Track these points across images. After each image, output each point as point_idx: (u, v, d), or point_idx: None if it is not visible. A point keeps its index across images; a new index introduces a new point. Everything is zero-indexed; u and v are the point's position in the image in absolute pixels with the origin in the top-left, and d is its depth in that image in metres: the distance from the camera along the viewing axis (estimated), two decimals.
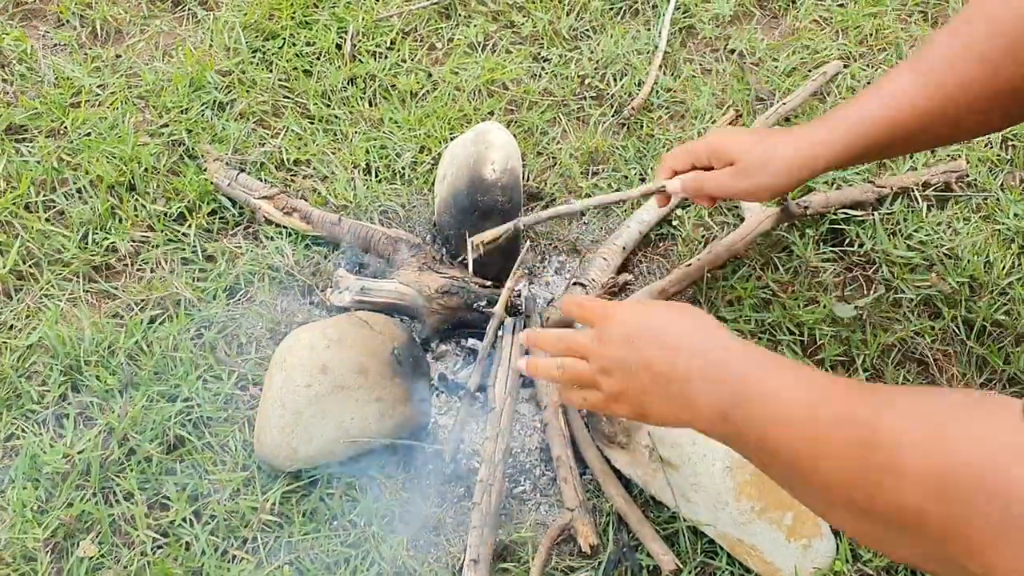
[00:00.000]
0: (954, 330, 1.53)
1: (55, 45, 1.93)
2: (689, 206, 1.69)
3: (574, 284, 1.56)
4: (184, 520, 1.32)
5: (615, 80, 1.88)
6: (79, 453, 1.36)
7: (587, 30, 1.99)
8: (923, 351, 1.52)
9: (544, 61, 1.94)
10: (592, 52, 1.94)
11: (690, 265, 1.54)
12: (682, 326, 0.94)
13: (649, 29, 1.98)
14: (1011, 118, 1.15)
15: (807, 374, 0.85)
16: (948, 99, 1.08)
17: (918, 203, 1.67)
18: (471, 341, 1.56)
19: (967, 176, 1.70)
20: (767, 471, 0.87)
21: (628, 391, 0.95)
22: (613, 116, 1.82)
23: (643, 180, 1.73)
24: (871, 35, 1.95)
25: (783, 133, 1.22)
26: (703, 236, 1.66)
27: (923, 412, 0.73)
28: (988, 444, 0.65)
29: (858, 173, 1.73)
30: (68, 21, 1.95)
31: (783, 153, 1.14)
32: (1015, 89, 1.07)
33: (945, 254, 1.61)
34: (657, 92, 1.85)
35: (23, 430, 1.39)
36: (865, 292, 1.58)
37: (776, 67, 1.89)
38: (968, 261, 1.59)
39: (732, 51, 1.95)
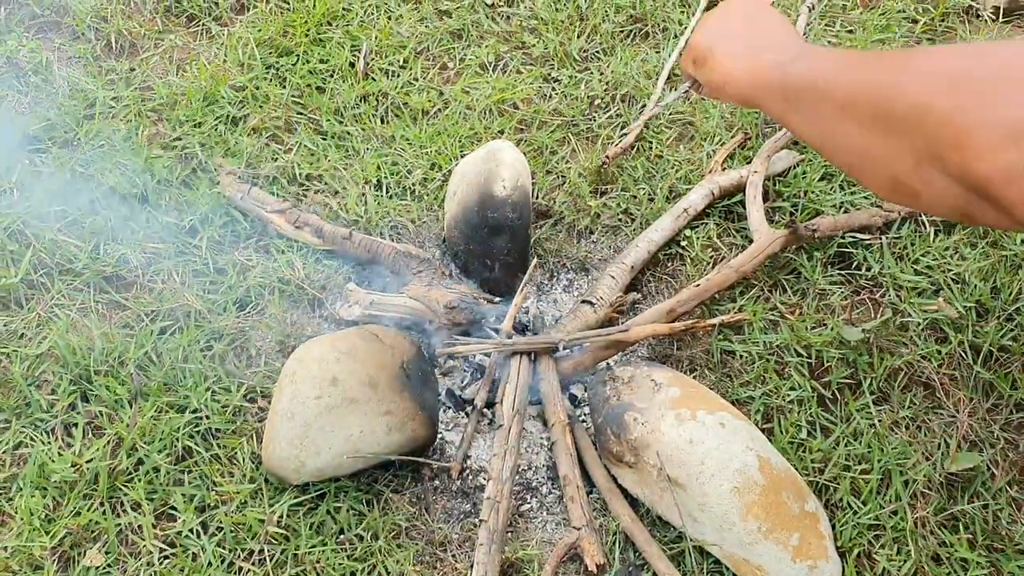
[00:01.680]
0: (961, 355, 1.53)
1: (70, 57, 1.94)
2: (697, 227, 1.70)
3: (582, 303, 1.57)
4: (191, 531, 1.32)
5: (624, 102, 1.90)
6: (87, 462, 1.36)
7: (597, 52, 2.01)
8: (930, 375, 1.52)
9: (554, 82, 1.96)
10: (602, 73, 1.96)
11: (699, 285, 1.54)
12: (773, 14, 1.07)
13: (658, 52, 2.00)
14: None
15: (850, 51, 1.01)
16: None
17: (925, 228, 1.68)
18: (479, 357, 1.56)
19: None
20: (795, 114, 0.94)
21: (699, 47, 1.10)
22: (622, 137, 1.84)
23: (651, 200, 1.74)
24: None
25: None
26: (711, 257, 1.67)
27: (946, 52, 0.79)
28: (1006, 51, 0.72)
29: (866, 197, 1.74)
30: (83, 34, 1.97)
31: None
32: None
33: (952, 279, 1.61)
34: (667, 114, 1.87)
35: (32, 438, 1.40)
36: (872, 315, 1.59)
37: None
38: (975, 286, 1.59)
39: None
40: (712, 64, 1.07)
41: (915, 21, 2.06)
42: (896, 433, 1.46)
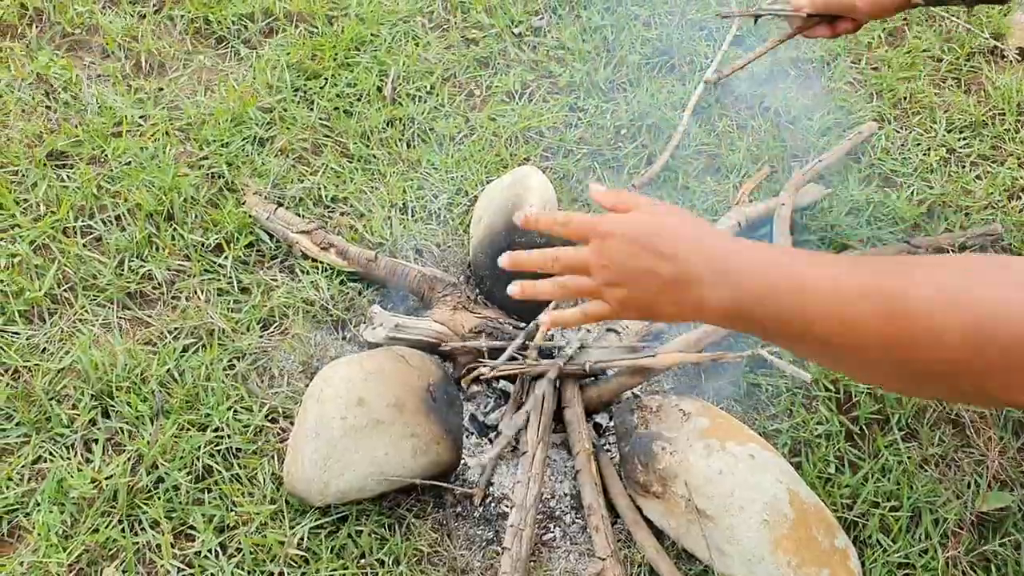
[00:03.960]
0: None
1: (99, 76, 1.95)
2: None
3: (608, 330, 1.55)
4: (210, 551, 1.30)
5: (649, 132, 1.90)
6: (107, 479, 1.34)
7: (624, 83, 2.02)
8: (959, 412, 1.50)
9: (580, 111, 1.97)
10: (628, 104, 1.96)
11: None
12: (683, 229, 0.91)
13: (684, 84, 2.00)
14: None
15: (820, 257, 0.85)
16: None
17: None
18: (503, 383, 1.55)
19: (1002, 239, 1.71)
20: (793, 348, 0.88)
21: (635, 298, 0.93)
22: (647, 167, 1.84)
23: None
24: (906, 98, 1.97)
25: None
26: None
27: (947, 276, 0.74)
28: (1015, 293, 0.69)
29: (892, 232, 1.73)
30: (113, 53, 1.98)
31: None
32: None
33: None
34: (687, 143, 1.87)
35: (51, 453, 1.38)
36: None
37: (811, 126, 1.91)
38: None
39: (767, 108, 1.97)
40: (663, 319, 0.96)
41: (939, 60, 2.07)
42: (925, 470, 1.44)
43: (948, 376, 0.73)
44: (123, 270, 1.60)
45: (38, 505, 1.32)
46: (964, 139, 1.91)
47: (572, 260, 0.98)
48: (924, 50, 2.08)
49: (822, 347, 0.82)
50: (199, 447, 1.39)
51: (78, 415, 1.42)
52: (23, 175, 1.71)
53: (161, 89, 1.93)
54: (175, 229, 1.67)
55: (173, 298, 1.59)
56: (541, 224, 1.02)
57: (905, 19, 2.19)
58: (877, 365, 0.79)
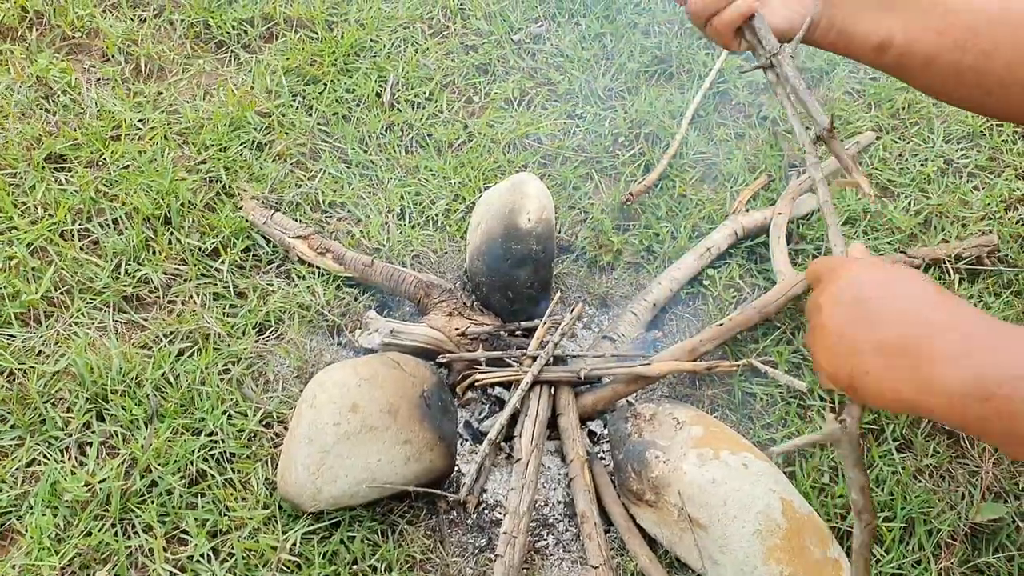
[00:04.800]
0: None
1: (99, 79, 1.96)
2: (720, 266, 1.69)
3: (603, 338, 1.56)
4: (202, 556, 1.30)
5: (648, 140, 1.91)
6: (100, 482, 1.34)
7: (622, 91, 2.02)
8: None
9: (579, 118, 1.97)
10: (626, 112, 1.96)
11: (721, 324, 1.53)
12: (923, 291, 0.78)
13: (683, 93, 2.01)
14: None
15: None
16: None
17: (950, 275, 1.67)
18: (498, 390, 1.55)
19: (998, 251, 1.71)
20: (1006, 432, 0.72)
21: (835, 360, 0.80)
22: (644, 175, 1.84)
23: (674, 238, 1.74)
24: (904, 108, 1.97)
25: None
26: (733, 297, 1.66)
27: None
28: None
29: (889, 243, 1.73)
30: (113, 56, 1.98)
31: None
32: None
33: None
34: (685, 152, 1.87)
35: (45, 456, 1.38)
36: None
37: (809, 136, 1.91)
38: None
39: (765, 117, 1.97)
40: (868, 397, 0.79)
41: None
42: (919, 481, 1.44)
43: None
44: (119, 273, 1.60)
45: (31, 508, 1.32)
46: (961, 150, 1.91)
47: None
48: None
49: None
50: (193, 451, 1.39)
51: (73, 418, 1.42)
52: (21, 177, 1.71)
53: (160, 93, 1.93)
54: (172, 233, 1.67)
55: (169, 302, 1.59)
56: None
57: None
58: None
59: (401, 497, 1.39)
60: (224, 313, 1.58)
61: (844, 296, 0.81)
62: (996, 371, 0.71)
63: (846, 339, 0.79)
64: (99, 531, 1.30)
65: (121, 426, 1.42)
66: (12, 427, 1.40)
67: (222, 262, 1.63)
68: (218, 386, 1.47)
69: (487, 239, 1.57)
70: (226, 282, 1.61)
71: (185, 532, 1.33)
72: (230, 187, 1.75)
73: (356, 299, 1.63)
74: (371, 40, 2.05)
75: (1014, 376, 0.70)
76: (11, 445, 1.39)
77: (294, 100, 1.92)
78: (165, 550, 1.30)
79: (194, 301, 1.59)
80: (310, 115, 1.90)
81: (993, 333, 0.73)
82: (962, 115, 1.96)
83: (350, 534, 1.34)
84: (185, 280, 1.61)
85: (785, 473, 1.38)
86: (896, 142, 1.91)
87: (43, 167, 1.73)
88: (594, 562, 1.30)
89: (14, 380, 1.46)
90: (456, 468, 1.45)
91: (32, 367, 1.47)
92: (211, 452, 1.40)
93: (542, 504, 1.44)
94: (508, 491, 1.40)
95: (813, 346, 0.84)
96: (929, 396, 0.74)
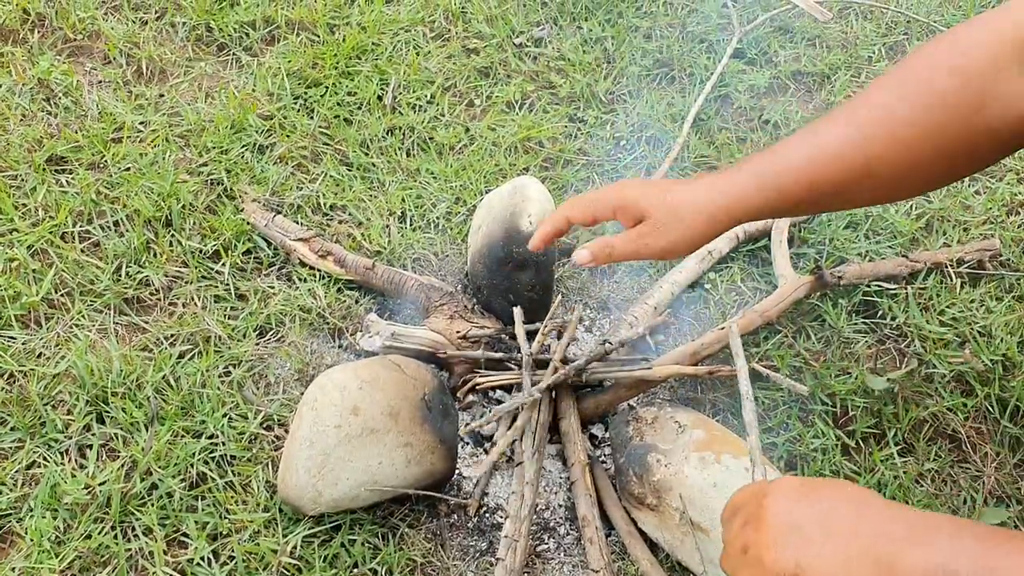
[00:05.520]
0: (987, 408, 1.52)
1: (100, 81, 1.96)
2: (722, 270, 1.69)
3: (604, 342, 1.55)
4: (202, 559, 1.29)
5: (649, 143, 1.90)
6: (100, 485, 1.34)
7: (624, 94, 2.02)
8: (955, 427, 1.50)
9: (580, 122, 1.97)
10: (628, 115, 1.97)
11: (723, 328, 1.53)
12: (867, 492, 0.81)
13: (684, 96, 2.01)
14: (976, 165, 1.02)
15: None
16: (874, 149, 0.96)
17: (951, 279, 1.67)
18: (499, 393, 1.55)
19: (1000, 255, 1.70)
20: None
21: (776, 545, 0.79)
22: (646, 178, 1.83)
23: None
24: None
25: (693, 183, 1.05)
26: (735, 300, 1.66)
27: None
28: None
29: (891, 247, 1.73)
30: (115, 59, 1.98)
31: (697, 205, 1.01)
32: (980, 133, 0.93)
33: (978, 332, 1.60)
34: (686, 155, 1.87)
35: (45, 459, 1.38)
36: (897, 365, 1.57)
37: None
38: (1001, 340, 1.58)
39: (766, 121, 1.97)
40: None
41: None
42: (921, 486, 1.44)
43: None
44: (120, 276, 1.60)
45: (31, 511, 1.32)
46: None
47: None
48: None
49: None
50: (193, 454, 1.38)
51: (73, 420, 1.42)
52: (22, 180, 1.71)
53: (162, 95, 1.93)
54: (173, 235, 1.67)
55: (170, 304, 1.59)
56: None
57: (906, 34, 2.20)
58: None
59: (402, 500, 1.39)
60: (225, 316, 1.57)
61: (791, 500, 0.81)
62: (952, 558, 0.70)
63: (796, 534, 0.78)
64: (99, 534, 1.30)
65: (121, 429, 1.41)
66: (12, 429, 1.40)
67: (223, 265, 1.63)
68: (219, 389, 1.47)
69: (488, 242, 1.57)
70: (227, 285, 1.61)
71: (185, 535, 1.32)
72: (231, 190, 1.75)
73: (357, 302, 1.63)
74: (373, 43, 2.05)
75: (980, 567, 0.69)
76: (11, 447, 1.38)
77: (295, 103, 1.92)
78: (165, 553, 1.30)
79: (195, 303, 1.58)
80: (311, 118, 1.90)
81: (950, 532, 0.73)
82: None
83: (351, 537, 1.33)
84: (186, 282, 1.61)
85: None
86: None
87: (44, 169, 1.73)
88: (595, 566, 1.30)
89: (14, 382, 1.46)
90: (457, 471, 1.45)
91: (32, 369, 1.46)
92: (212, 455, 1.40)
93: (543, 508, 1.44)
94: (509, 495, 1.40)
95: (747, 551, 0.81)
96: None
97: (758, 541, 0.80)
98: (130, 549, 1.30)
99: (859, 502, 0.78)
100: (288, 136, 1.85)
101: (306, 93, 1.94)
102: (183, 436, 1.41)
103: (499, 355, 1.51)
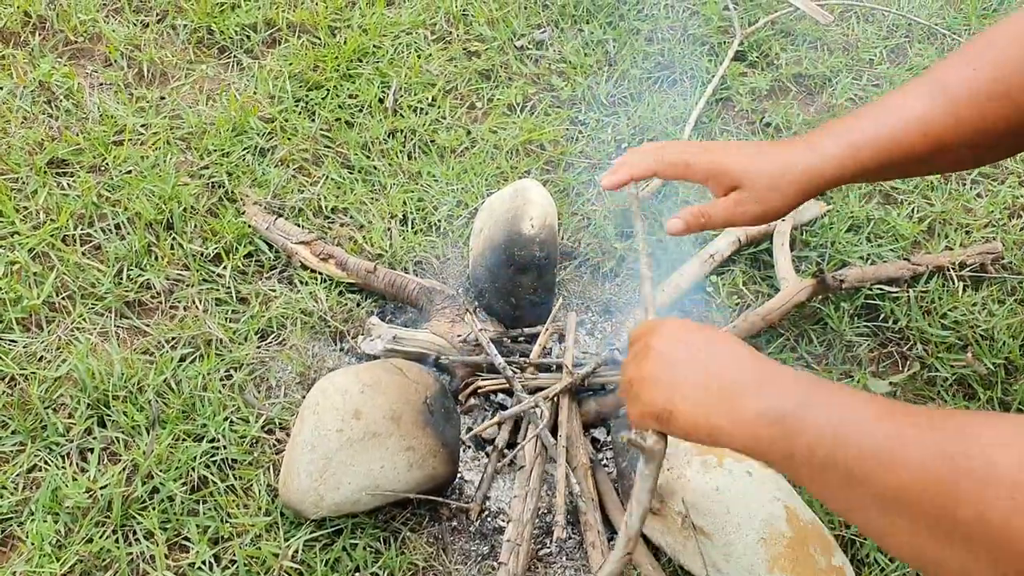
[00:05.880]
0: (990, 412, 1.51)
1: (101, 84, 1.96)
2: (723, 273, 1.69)
3: (612, 349, 1.55)
4: (204, 563, 1.29)
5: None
6: (102, 488, 1.33)
7: (625, 97, 2.02)
8: None
9: (581, 124, 1.97)
10: (629, 118, 1.96)
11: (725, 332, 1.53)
12: (735, 344, 0.89)
13: (685, 99, 2.01)
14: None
15: (873, 395, 0.79)
16: (961, 124, 1.00)
17: (953, 282, 1.66)
18: (500, 397, 1.54)
19: (1002, 258, 1.70)
20: (811, 484, 0.78)
21: (655, 386, 0.88)
22: (647, 182, 1.83)
23: (677, 245, 1.73)
24: None
25: (785, 149, 1.06)
26: (737, 304, 1.66)
27: (1014, 424, 0.67)
28: None
29: (893, 250, 1.73)
30: (116, 61, 1.98)
31: (794, 175, 1.03)
32: None
33: (981, 335, 1.59)
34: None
35: (46, 462, 1.37)
36: (900, 369, 1.57)
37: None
38: (1004, 343, 1.58)
39: (768, 124, 1.97)
40: (679, 421, 0.87)
41: None
42: None
43: (985, 542, 0.65)
44: (121, 279, 1.60)
45: (32, 514, 1.32)
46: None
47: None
48: (926, 67, 2.08)
49: (846, 478, 0.74)
50: (195, 458, 1.38)
51: (74, 424, 1.41)
52: (23, 182, 1.71)
53: (163, 98, 1.93)
54: (174, 238, 1.66)
55: (171, 307, 1.59)
56: None
57: (907, 36, 2.20)
58: (911, 505, 0.70)
59: (403, 504, 1.38)
60: (226, 319, 1.57)
61: (670, 342, 0.90)
62: (785, 401, 0.80)
63: (669, 374, 0.88)
64: (100, 538, 1.30)
65: (123, 432, 1.41)
66: (13, 433, 1.40)
67: (224, 268, 1.63)
68: (220, 392, 1.47)
69: (490, 245, 1.57)
70: (228, 288, 1.61)
71: (187, 539, 1.32)
72: (232, 192, 1.75)
73: (359, 305, 1.62)
74: (374, 46, 2.05)
75: (799, 404, 0.79)
76: (12, 451, 1.38)
77: (297, 105, 1.92)
78: (167, 557, 1.30)
79: (196, 307, 1.58)
80: (313, 120, 1.90)
81: (792, 378, 0.83)
82: None
83: (352, 541, 1.33)
84: (187, 286, 1.61)
85: (788, 481, 1.37)
86: None
87: (45, 172, 1.73)
88: (597, 570, 1.30)
89: (15, 386, 1.45)
90: (459, 475, 1.44)
91: (33, 373, 1.46)
92: (213, 458, 1.40)
93: (545, 511, 1.43)
94: (511, 498, 1.39)
95: (632, 386, 0.92)
96: (732, 423, 0.82)
97: (641, 378, 0.91)
98: (131, 553, 1.29)
99: (727, 351, 0.88)
100: (289, 139, 1.85)
101: (307, 96, 1.94)
102: (184, 440, 1.41)
103: (500, 360, 1.51)
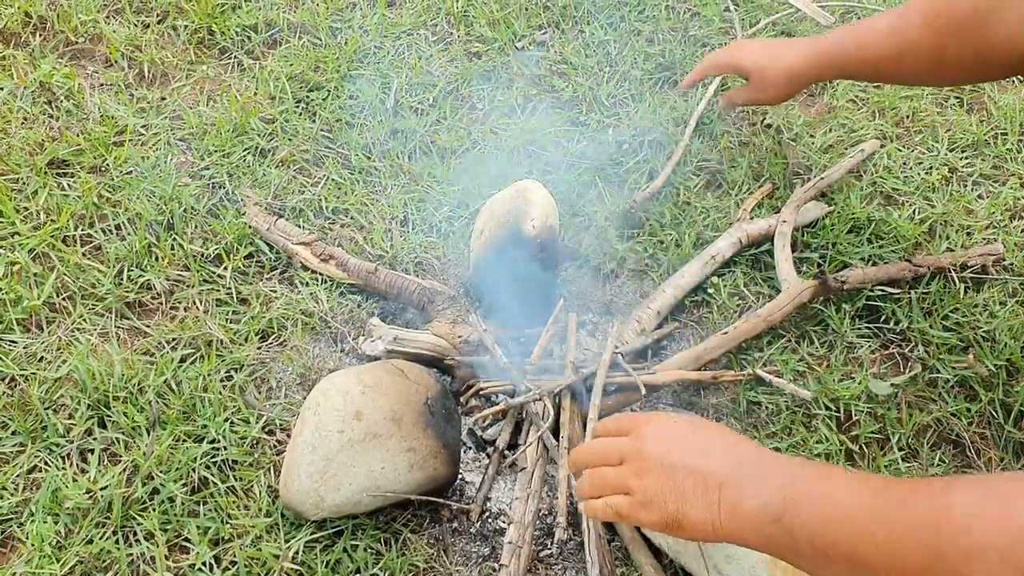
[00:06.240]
0: (991, 413, 1.51)
1: (102, 84, 1.96)
2: (724, 274, 1.69)
3: (615, 351, 1.55)
4: (204, 564, 1.29)
5: (651, 147, 1.90)
6: (102, 489, 1.33)
7: (626, 98, 2.02)
8: (959, 433, 1.49)
9: (582, 125, 1.97)
10: (630, 119, 1.96)
11: (726, 333, 1.53)
12: (720, 436, 0.95)
13: (687, 100, 2.00)
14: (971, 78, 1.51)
15: (856, 473, 0.85)
16: (913, 43, 1.32)
17: (955, 284, 1.66)
18: (501, 398, 1.54)
19: (1003, 259, 1.70)
20: (817, 572, 0.84)
21: (661, 496, 0.92)
22: (648, 182, 1.83)
23: (678, 246, 1.73)
24: (908, 117, 1.97)
25: (780, 47, 1.48)
26: (738, 305, 1.66)
27: (989, 492, 0.73)
28: None
29: (894, 251, 1.72)
30: (116, 62, 1.98)
31: (798, 69, 1.44)
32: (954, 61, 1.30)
33: (982, 336, 1.59)
34: (688, 159, 1.87)
35: (46, 463, 1.37)
36: (901, 370, 1.57)
37: (813, 143, 1.91)
38: (1005, 345, 1.57)
39: (769, 125, 1.97)
40: (688, 530, 0.91)
41: None
42: None
43: None
44: (122, 279, 1.60)
45: (32, 515, 1.31)
46: (966, 158, 1.90)
47: (609, 447, 1.00)
48: None
49: (850, 564, 0.80)
50: (195, 458, 1.38)
51: (74, 425, 1.41)
52: (24, 183, 1.71)
53: (163, 99, 1.93)
54: (175, 239, 1.66)
55: (172, 308, 1.59)
56: (579, 459, 1.06)
57: None
58: None
59: (404, 505, 1.38)
60: (227, 320, 1.57)
61: (662, 444, 0.95)
62: (783, 500, 0.84)
63: (671, 483, 0.91)
64: (100, 539, 1.29)
65: (123, 433, 1.41)
66: (13, 433, 1.40)
67: (225, 268, 1.63)
68: (220, 393, 1.46)
69: (491, 246, 1.57)
70: (229, 288, 1.61)
71: (187, 540, 1.32)
72: (233, 193, 1.75)
73: (359, 306, 1.62)
74: (375, 47, 2.05)
75: (797, 502, 0.83)
76: (12, 452, 1.38)
77: (297, 106, 1.92)
78: (167, 558, 1.29)
79: (197, 307, 1.58)
80: (313, 121, 1.90)
81: (788, 465, 0.88)
82: (966, 124, 1.96)
83: (353, 543, 1.33)
84: (188, 286, 1.61)
85: None
86: (900, 150, 1.91)
87: (46, 172, 1.73)
88: (598, 572, 1.29)
89: (15, 386, 1.45)
90: (460, 476, 1.44)
91: (34, 373, 1.46)
92: (213, 459, 1.39)
93: (545, 513, 1.43)
94: (512, 500, 1.39)
95: (636, 496, 0.95)
96: (739, 519, 0.87)
97: (644, 492, 0.93)
98: (131, 554, 1.29)
99: (716, 441, 0.94)
100: (290, 140, 1.85)
101: (308, 96, 1.94)
102: (185, 440, 1.41)
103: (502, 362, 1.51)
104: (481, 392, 1.49)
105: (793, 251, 1.68)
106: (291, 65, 1.98)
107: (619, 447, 0.99)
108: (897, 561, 0.75)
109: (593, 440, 1.07)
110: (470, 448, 1.49)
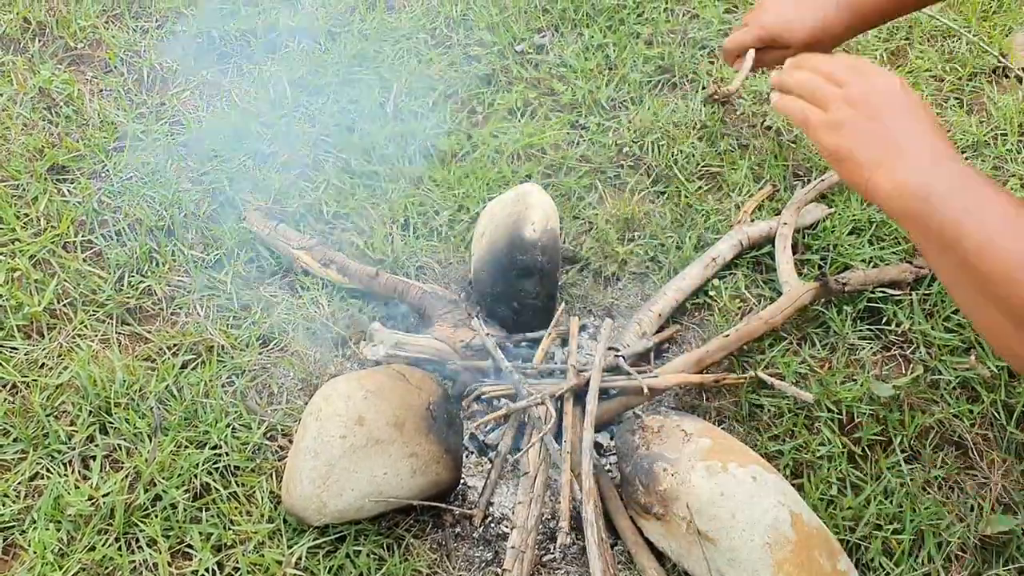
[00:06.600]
0: (994, 414, 1.51)
1: (102, 90, 1.96)
2: (725, 276, 1.69)
3: (608, 349, 1.55)
4: (207, 570, 1.29)
5: (652, 149, 1.90)
6: (104, 496, 1.33)
7: (625, 101, 2.02)
8: (962, 434, 1.49)
9: (582, 128, 1.97)
10: (630, 121, 1.96)
11: (728, 336, 1.53)
12: (934, 131, 0.94)
13: (687, 103, 2.00)
14: None
15: (1006, 195, 0.89)
16: None
17: None
18: (503, 402, 1.54)
19: None
20: (934, 254, 0.91)
21: (852, 127, 0.95)
22: (650, 185, 1.83)
23: (679, 248, 1.73)
24: None
25: (805, 6, 1.32)
26: (739, 307, 1.66)
27: None
28: None
29: (895, 253, 1.72)
30: (116, 67, 1.98)
31: (802, 30, 1.30)
32: None
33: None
34: (696, 165, 1.87)
35: (48, 470, 1.37)
36: (903, 371, 1.57)
37: (813, 145, 1.91)
38: None
39: (768, 128, 1.97)
40: (849, 165, 0.96)
41: (941, 80, 2.07)
42: (928, 493, 1.43)
43: None
44: (122, 285, 1.60)
45: (34, 522, 1.31)
46: (966, 159, 1.90)
47: (834, 66, 1.01)
48: (926, 70, 2.08)
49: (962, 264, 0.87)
50: (197, 464, 1.38)
51: (76, 431, 1.41)
52: (24, 189, 1.71)
53: (163, 104, 1.93)
54: (175, 244, 1.66)
55: (172, 314, 1.59)
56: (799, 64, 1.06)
57: (907, 39, 2.19)
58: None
59: (407, 510, 1.38)
60: (228, 325, 1.57)
61: (881, 79, 0.96)
62: (940, 182, 0.89)
63: (872, 105, 0.94)
64: (103, 546, 1.29)
65: (125, 439, 1.41)
66: (15, 440, 1.39)
67: (225, 274, 1.63)
68: (222, 399, 1.46)
69: (492, 249, 1.56)
70: (229, 294, 1.61)
71: (190, 546, 1.32)
72: (233, 198, 1.74)
73: (360, 310, 1.62)
74: (374, 51, 2.05)
75: (950, 188, 0.88)
76: (14, 459, 1.38)
77: (297, 111, 1.92)
78: (170, 564, 1.29)
79: (197, 313, 1.58)
80: (313, 126, 1.90)
81: (958, 165, 0.91)
82: (966, 125, 1.96)
83: (356, 548, 1.33)
84: (188, 292, 1.61)
85: (793, 485, 1.37)
86: None
87: (46, 178, 1.73)
88: None
89: (17, 393, 1.45)
90: (462, 481, 1.44)
91: (35, 380, 1.46)
92: (215, 465, 1.39)
93: (549, 517, 1.43)
94: (515, 504, 1.39)
95: (833, 111, 0.97)
96: (898, 184, 0.90)
97: (844, 114, 0.96)
98: (134, 561, 1.29)
99: (921, 117, 0.94)
100: (290, 144, 1.85)
101: (308, 101, 1.94)
102: (186, 447, 1.41)
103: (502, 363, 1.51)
104: (483, 396, 1.48)
105: (794, 253, 1.68)
106: (291, 69, 1.98)
107: (839, 73, 1.00)
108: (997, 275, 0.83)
109: (809, 75, 1.04)
110: (472, 453, 1.49)
